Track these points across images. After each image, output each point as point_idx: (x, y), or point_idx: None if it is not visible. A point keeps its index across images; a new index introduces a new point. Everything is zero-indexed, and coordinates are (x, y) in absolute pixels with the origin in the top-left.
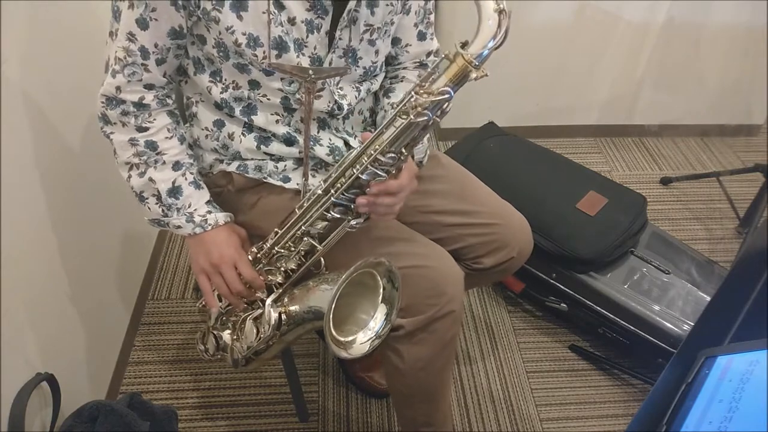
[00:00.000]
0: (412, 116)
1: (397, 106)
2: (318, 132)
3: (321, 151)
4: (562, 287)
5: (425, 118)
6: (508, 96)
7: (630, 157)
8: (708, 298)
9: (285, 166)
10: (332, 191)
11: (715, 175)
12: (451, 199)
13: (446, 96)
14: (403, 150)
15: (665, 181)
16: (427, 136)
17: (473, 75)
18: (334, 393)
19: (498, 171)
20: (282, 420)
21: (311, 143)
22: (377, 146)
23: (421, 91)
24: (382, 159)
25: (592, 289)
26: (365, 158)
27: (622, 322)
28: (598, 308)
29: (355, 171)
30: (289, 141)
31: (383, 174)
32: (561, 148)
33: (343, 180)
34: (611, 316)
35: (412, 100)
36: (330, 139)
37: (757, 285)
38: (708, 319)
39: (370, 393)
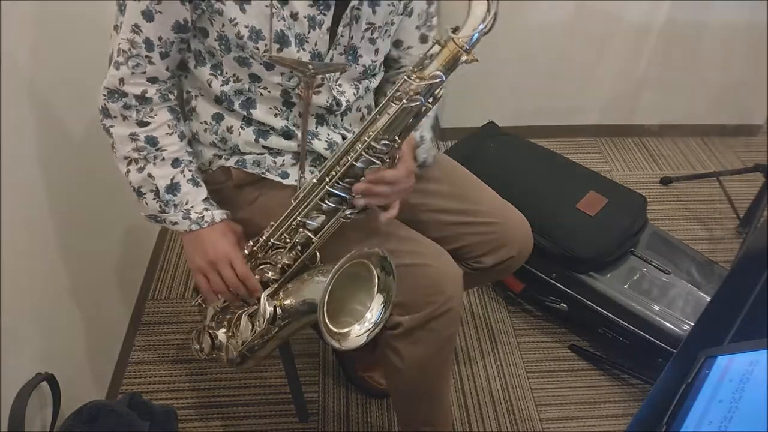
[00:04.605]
0: (405, 101)
1: (390, 92)
2: (316, 128)
3: (319, 146)
4: (562, 287)
5: (417, 102)
6: (508, 96)
7: (630, 157)
8: (708, 298)
9: (283, 161)
10: (327, 179)
11: (715, 175)
12: (451, 199)
13: (438, 80)
14: (397, 138)
15: (665, 181)
16: (431, 136)
17: (464, 58)
18: (334, 393)
19: (498, 171)
20: (282, 420)
21: (309, 137)
22: (371, 133)
23: (414, 76)
24: (376, 146)
25: (592, 289)
26: (359, 145)
27: (622, 322)
28: (598, 308)
29: (349, 158)
30: (287, 135)
31: (377, 162)
32: (561, 148)
33: (338, 168)
34: (611, 316)
35: (405, 85)
36: (328, 134)
37: (757, 285)
38: (708, 319)
39: (370, 393)
